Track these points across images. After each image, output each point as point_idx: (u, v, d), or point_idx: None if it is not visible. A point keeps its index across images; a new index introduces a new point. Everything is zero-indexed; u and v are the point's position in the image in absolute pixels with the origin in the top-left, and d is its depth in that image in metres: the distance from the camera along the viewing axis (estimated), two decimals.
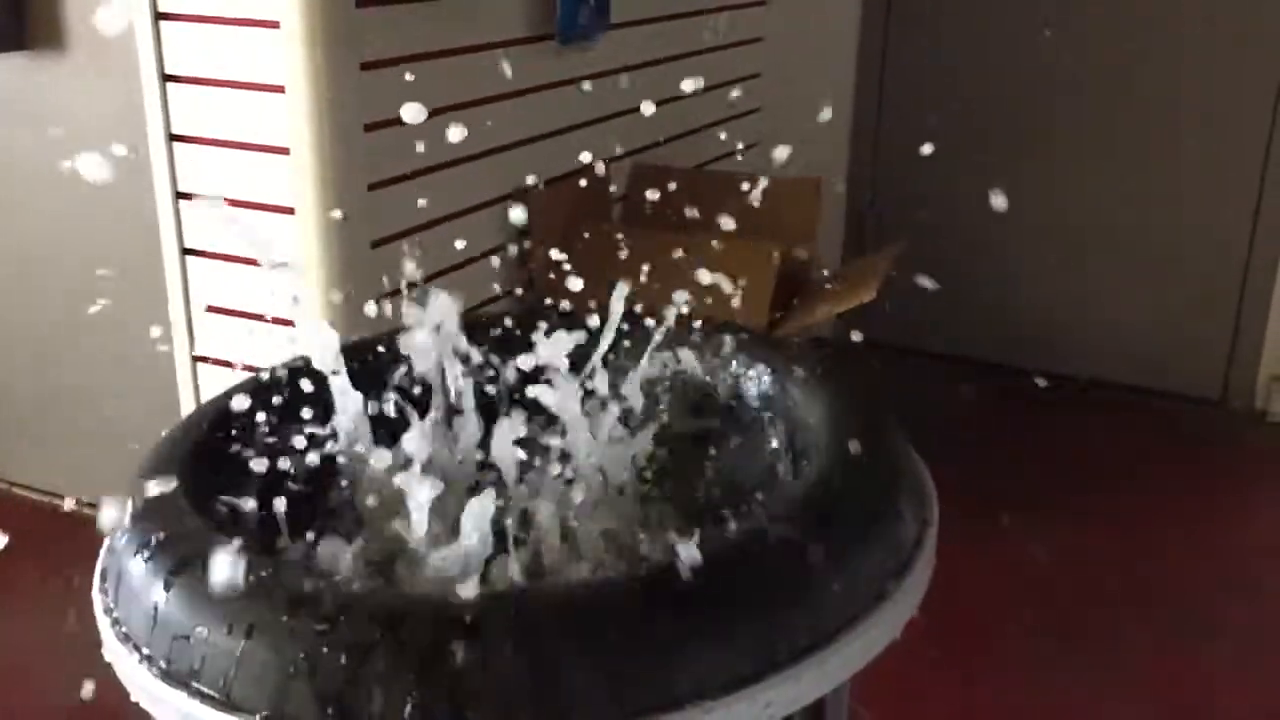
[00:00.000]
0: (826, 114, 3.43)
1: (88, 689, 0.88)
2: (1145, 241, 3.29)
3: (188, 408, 2.24)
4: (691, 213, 1.76)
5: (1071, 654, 2.20)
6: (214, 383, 2.22)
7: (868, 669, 0.82)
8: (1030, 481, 2.82)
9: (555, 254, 1.20)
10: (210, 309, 2.19)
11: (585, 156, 2.07)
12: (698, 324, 0.99)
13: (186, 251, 2.18)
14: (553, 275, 1.14)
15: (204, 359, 2.23)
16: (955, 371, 3.38)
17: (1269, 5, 3.04)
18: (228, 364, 2.19)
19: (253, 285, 2.12)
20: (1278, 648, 2.25)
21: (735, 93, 2.90)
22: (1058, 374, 3.30)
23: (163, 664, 0.74)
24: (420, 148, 1.90)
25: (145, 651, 0.76)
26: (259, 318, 2.14)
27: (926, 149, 1.44)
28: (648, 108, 1.29)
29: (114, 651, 0.79)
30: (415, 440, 0.92)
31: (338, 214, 1.92)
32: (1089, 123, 3.30)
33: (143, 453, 0.96)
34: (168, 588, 0.77)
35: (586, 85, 2.42)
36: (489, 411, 0.99)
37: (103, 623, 0.82)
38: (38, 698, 2.00)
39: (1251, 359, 3.23)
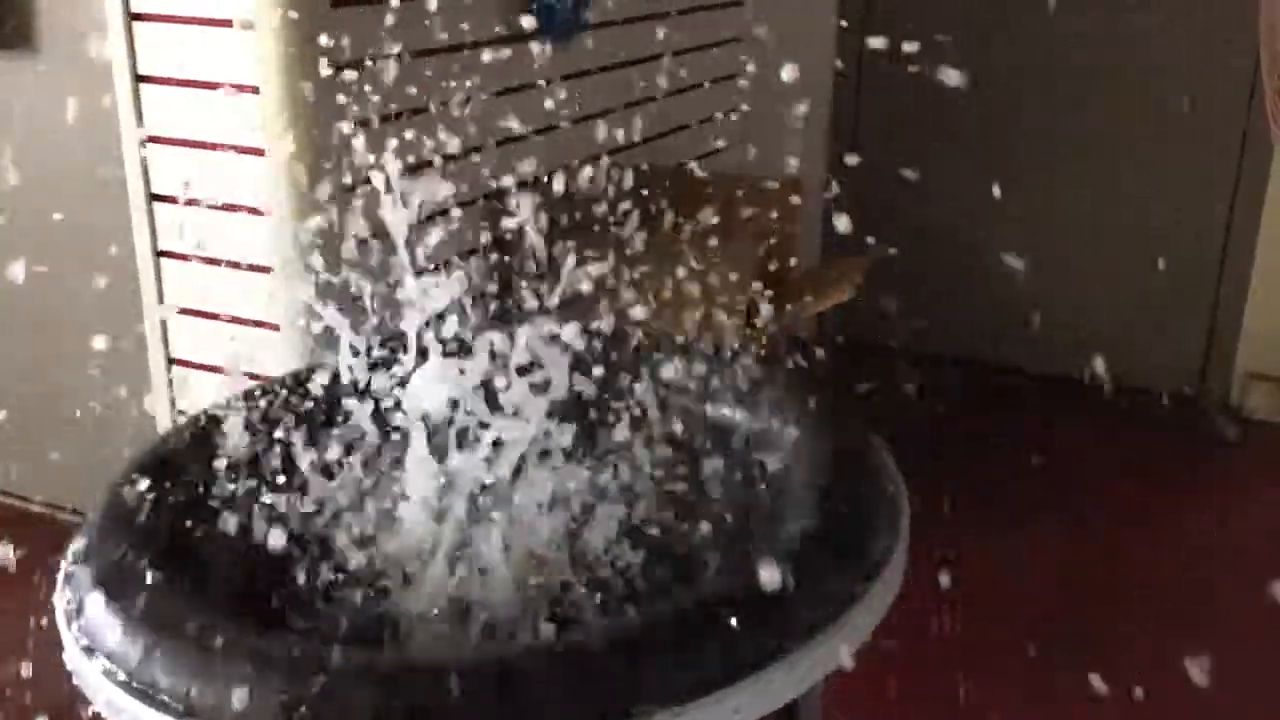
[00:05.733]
0: (803, 109, 3.43)
1: (51, 695, 0.88)
2: (1122, 238, 3.31)
3: (162, 411, 2.23)
4: (671, 213, 1.77)
5: (1045, 652, 2.20)
6: (188, 385, 2.20)
7: (847, 674, 0.82)
8: (1005, 478, 2.82)
9: (533, 254, 1.19)
10: (184, 311, 2.18)
11: (565, 155, 2.06)
12: (673, 337, 0.98)
13: (160, 254, 2.17)
14: (530, 277, 1.14)
15: (178, 361, 2.21)
16: (930, 369, 3.38)
17: (1242, 4, 3.06)
18: (202, 366, 2.18)
19: (228, 287, 2.11)
20: (1257, 643, 2.27)
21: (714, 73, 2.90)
22: (1034, 371, 3.31)
23: (123, 674, 0.73)
24: (397, 147, 1.89)
25: (107, 661, 0.75)
26: (234, 320, 2.13)
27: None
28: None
29: (75, 660, 0.78)
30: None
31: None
32: (1066, 120, 3.31)
33: (115, 462, 0.95)
34: (129, 598, 0.76)
35: (564, 85, 2.41)
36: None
37: (64, 631, 0.81)
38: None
39: (1227, 355, 3.24)
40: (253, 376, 1.17)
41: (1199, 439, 3.15)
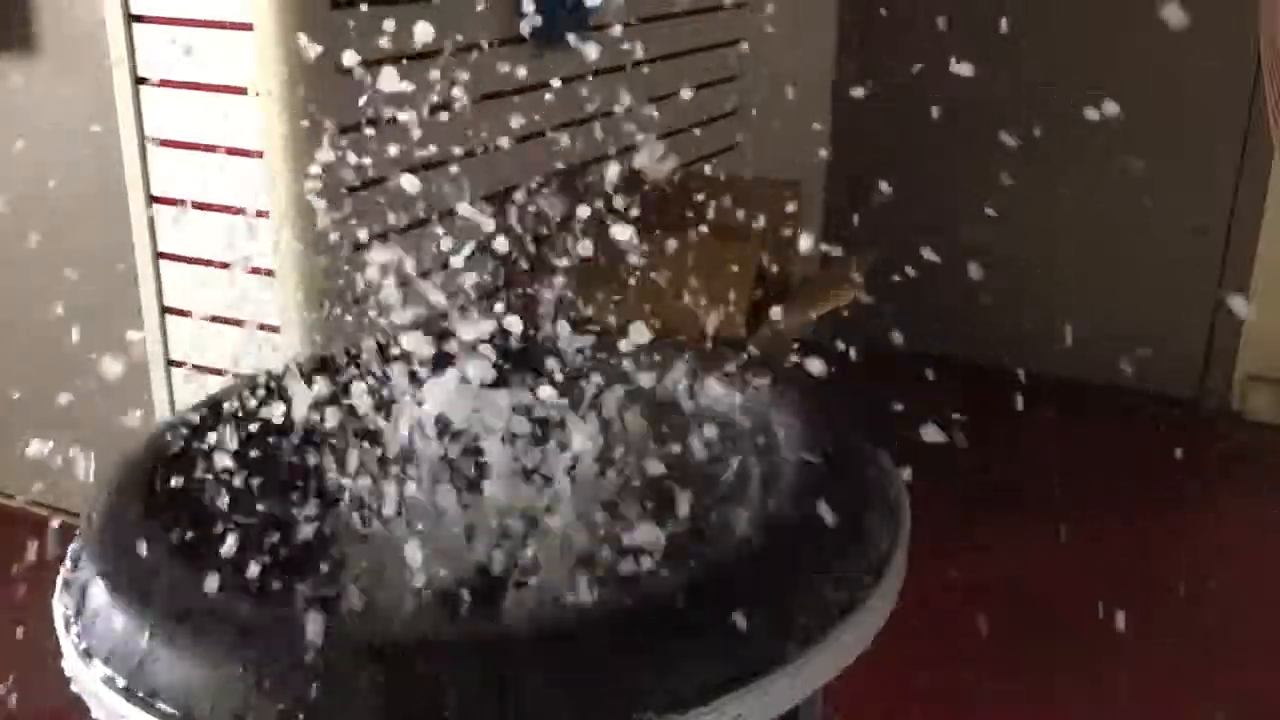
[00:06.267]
0: (803, 112, 3.44)
1: (47, 702, 0.87)
2: (1121, 240, 3.31)
3: (162, 413, 2.23)
4: (671, 216, 1.77)
5: (1047, 654, 2.20)
6: (188, 387, 2.20)
7: (847, 677, 0.81)
8: (1004, 483, 2.82)
9: (529, 260, 1.19)
10: (184, 313, 2.18)
11: (564, 158, 2.06)
12: (667, 336, 0.98)
13: (160, 255, 2.17)
14: (527, 281, 1.14)
15: (178, 363, 2.21)
16: (931, 372, 3.37)
17: (1240, 3, 3.05)
18: (202, 369, 2.18)
19: (228, 289, 2.11)
20: (1256, 647, 2.27)
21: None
22: (1033, 373, 3.30)
23: (123, 681, 0.73)
24: (395, 150, 1.90)
25: (106, 667, 0.75)
26: (233, 322, 2.13)
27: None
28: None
29: (74, 666, 0.78)
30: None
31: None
32: (1065, 122, 3.30)
33: (112, 460, 0.95)
34: (133, 605, 0.76)
35: (562, 87, 2.41)
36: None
37: (63, 636, 0.81)
38: None
39: (1227, 358, 3.24)
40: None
41: (1200, 442, 3.14)
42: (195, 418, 0.98)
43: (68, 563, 0.85)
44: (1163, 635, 2.27)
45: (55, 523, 0.93)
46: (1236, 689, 2.14)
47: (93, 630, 0.78)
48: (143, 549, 0.80)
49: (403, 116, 1.36)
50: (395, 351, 0.98)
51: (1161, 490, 2.83)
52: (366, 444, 0.95)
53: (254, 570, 0.82)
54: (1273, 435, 3.14)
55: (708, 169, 3.05)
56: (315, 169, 1.94)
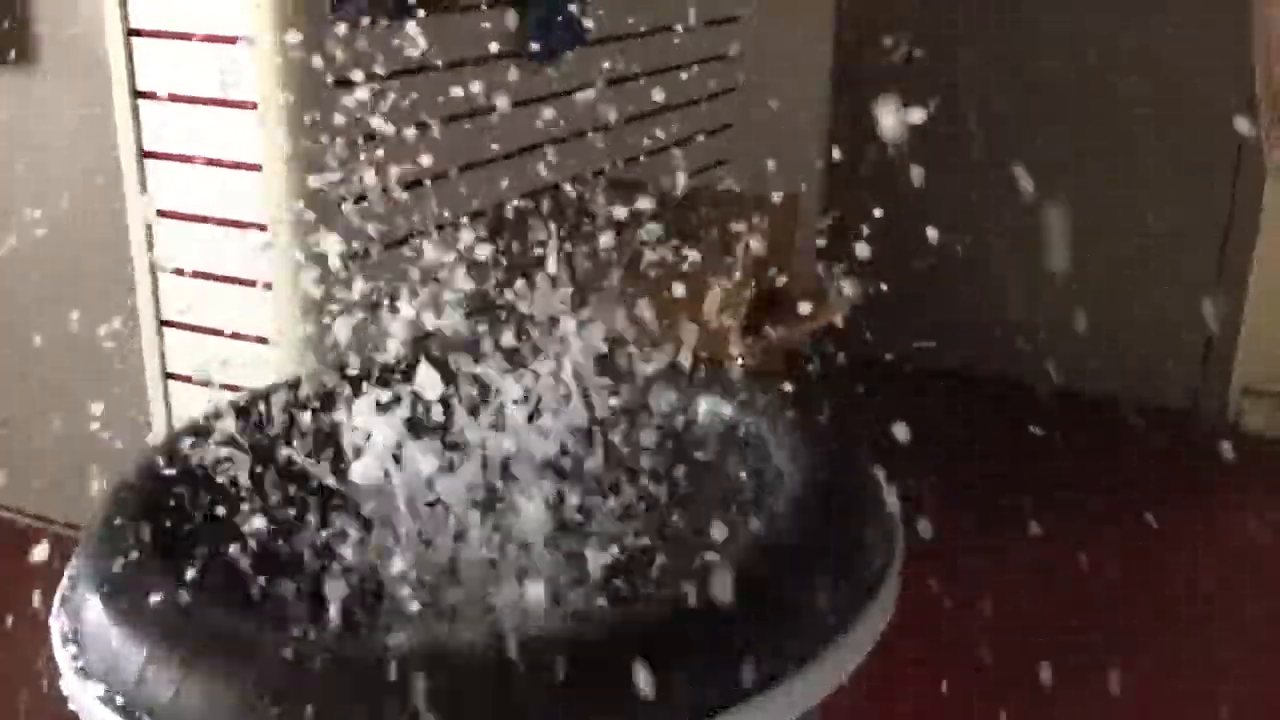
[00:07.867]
0: (800, 124, 3.45)
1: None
2: (1117, 252, 3.31)
3: (159, 425, 2.23)
4: (668, 229, 1.76)
5: (1041, 669, 2.20)
6: (185, 400, 2.20)
7: (843, 693, 0.82)
8: (1001, 492, 2.82)
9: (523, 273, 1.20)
10: (181, 325, 2.18)
11: (559, 172, 2.07)
12: (664, 355, 0.98)
13: (157, 268, 2.17)
14: (520, 294, 1.14)
15: (175, 376, 2.21)
16: (927, 384, 3.38)
17: (1237, 16, 3.07)
18: (198, 381, 2.18)
19: (224, 302, 2.11)
20: (1252, 660, 2.27)
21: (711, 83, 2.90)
22: (1029, 385, 3.31)
23: (119, 699, 0.73)
24: (393, 163, 1.90)
25: (103, 684, 0.75)
26: (232, 335, 2.13)
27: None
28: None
29: (71, 684, 0.78)
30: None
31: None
32: (1062, 133, 3.32)
33: (111, 477, 0.95)
34: (129, 623, 0.76)
35: (559, 101, 2.42)
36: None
37: (60, 653, 0.81)
38: None
39: (1224, 371, 3.25)
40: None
41: (1196, 454, 3.15)
42: (191, 437, 0.98)
43: (65, 580, 0.85)
44: (1159, 648, 2.27)
45: (53, 536, 0.93)
46: (1234, 700, 2.14)
47: (89, 648, 0.78)
48: (139, 568, 0.80)
49: (401, 129, 1.36)
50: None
51: (1157, 503, 2.83)
52: (367, 451, 0.95)
53: (249, 590, 0.82)
54: (1269, 448, 3.15)
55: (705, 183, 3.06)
56: (313, 182, 1.95)
